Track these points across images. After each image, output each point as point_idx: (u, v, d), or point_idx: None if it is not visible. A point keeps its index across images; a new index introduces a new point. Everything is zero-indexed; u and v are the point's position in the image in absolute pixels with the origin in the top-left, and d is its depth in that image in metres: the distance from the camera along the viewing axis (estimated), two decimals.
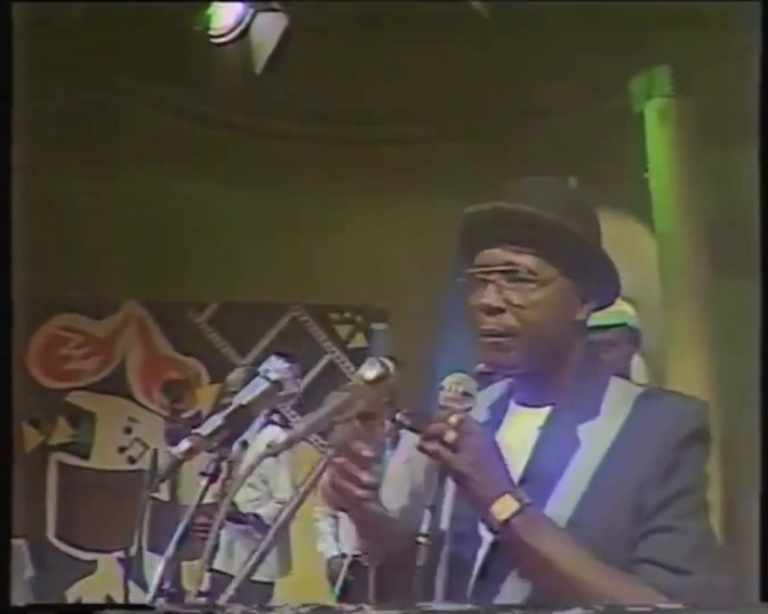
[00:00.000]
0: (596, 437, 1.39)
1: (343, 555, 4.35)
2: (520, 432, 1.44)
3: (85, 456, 6.90)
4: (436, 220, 6.66)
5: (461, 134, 6.42)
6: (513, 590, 1.37)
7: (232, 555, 4.26)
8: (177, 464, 1.49)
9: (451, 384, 1.38)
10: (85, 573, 6.69)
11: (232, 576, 1.24)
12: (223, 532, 3.50)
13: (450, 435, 1.31)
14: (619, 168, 6.03)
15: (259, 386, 1.60)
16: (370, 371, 1.48)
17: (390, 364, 1.50)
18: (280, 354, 1.66)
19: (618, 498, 1.34)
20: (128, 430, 6.98)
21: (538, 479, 1.38)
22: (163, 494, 6.46)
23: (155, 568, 1.43)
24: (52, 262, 5.75)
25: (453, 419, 1.33)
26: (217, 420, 1.53)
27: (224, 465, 1.53)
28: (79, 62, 5.61)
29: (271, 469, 4.51)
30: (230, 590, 1.24)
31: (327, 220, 6.66)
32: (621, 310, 3.43)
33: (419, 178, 6.39)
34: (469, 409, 1.37)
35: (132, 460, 6.91)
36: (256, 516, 4.42)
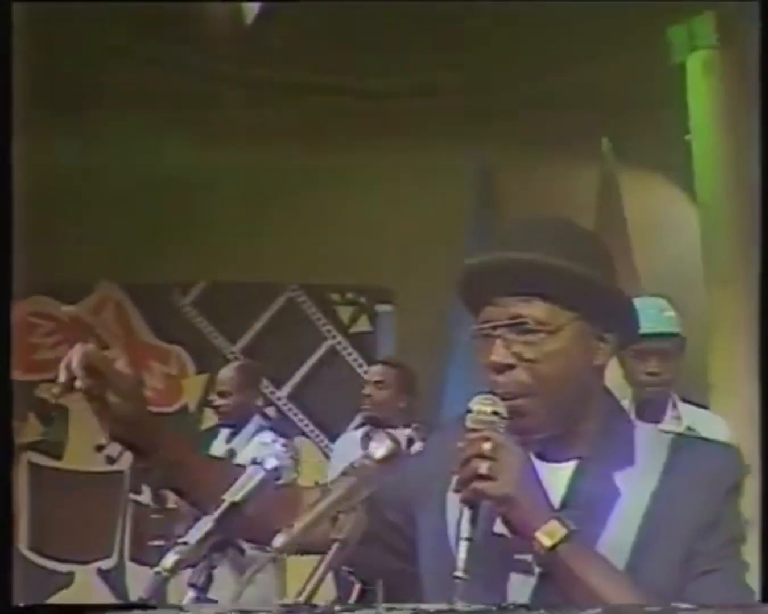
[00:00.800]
0: (637, 486, 1.40)
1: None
2: (547, 486, 1.40)
3: (58, 456, 6.70)
4: (447, 187, 6.28)
5: (476, 87, 6.12)
6: None
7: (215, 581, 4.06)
8: (163, 582, 1.39)
9: (480, 405, 1.38)
10: (61, 586, 6.49)
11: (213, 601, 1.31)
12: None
13: (484, 466, 1.31)
14: (657, 129, 5.78)
15: (254, 477, 1.50)
16: (379, 449, 1.43)
17: (401, 439, 1.45)
18: (276, 436, 1.57)
19: (667, 549, 1.36)
20: None
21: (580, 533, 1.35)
22: (145, 497, 6.34)
23: (137, 579, 1.34)
24: (17, 239, 5.56)
25: (486, 446, 1.32)
26: (206, 524, 1.44)
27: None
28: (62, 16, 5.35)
29: None
30: None
31: (327, 188, 6.43)
32: (674, 317, 3.22)
33: (428, 135, 6.11)
34: (501, 431, 1.36)
35: (111, 460, 6.64)
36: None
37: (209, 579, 1.45)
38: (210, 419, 5.94)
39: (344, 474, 1.40)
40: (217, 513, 1.44)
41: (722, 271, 5.63)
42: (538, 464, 1.45)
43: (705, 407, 3.62)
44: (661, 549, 1.36)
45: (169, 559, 1.40)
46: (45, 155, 5.86)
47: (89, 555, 6.54)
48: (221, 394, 4.68)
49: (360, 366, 6.79)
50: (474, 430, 1.36)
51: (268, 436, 4.20)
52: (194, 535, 1.43)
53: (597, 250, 1.50)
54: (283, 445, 1.50)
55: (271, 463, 1.50)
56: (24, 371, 6.40)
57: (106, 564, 6.54)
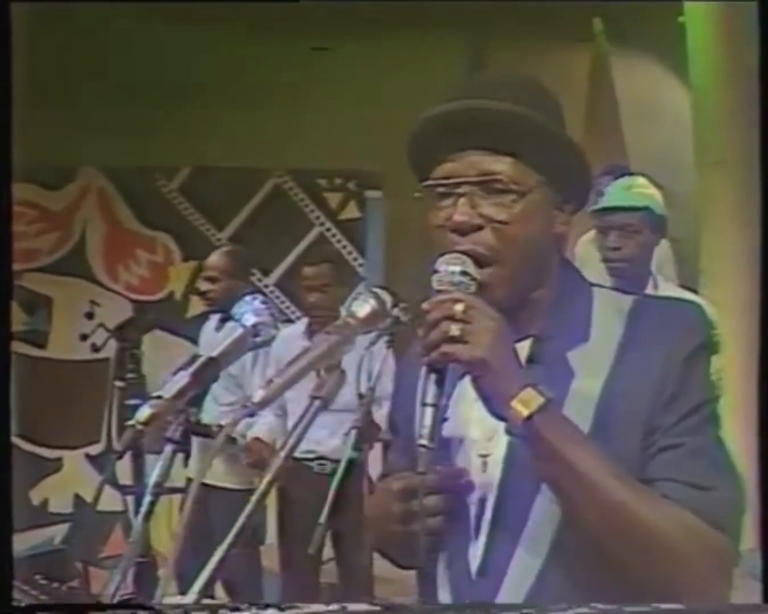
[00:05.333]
0: (591, 363, 1.34)
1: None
2: None
3: (42, 345, 6.78)
4: (439, 64, 6.14)
5: None
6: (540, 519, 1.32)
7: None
8: (137, 436, 1.43)
9: (447, 264, 1.31)
10: (50, 471, 6.67)
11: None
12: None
13: (455, 329, 1.23)
14: (650, 10, 5.77)
15: (232, 333, 1.52)
16: (362, 307, 1.38)
17: (385, 296, 1.41)
18: (254, 294, 1.60)
19: (626, 427, 1.30)
20: (90, 315, 6.85)
21: None
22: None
23: (126, 463, 1.42)
24: None
25: (458, 307, 1.24)
26: (182, 378, 1.46)
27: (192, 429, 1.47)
28: None
29: (247, 372, 4.41)
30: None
31: (313, 67, 6.35)
32: (645, 193, 3.29)
33: (416, 14, 6.04)
34: (471, 292, 1.29)
35: (96, 348, 6.80)
36: (220, 426, 4.12)
37: (186, 434, 1.46)
38: (196, 307, 6.05)
39: (327, 332, 1.34)
40: (193, 368, 1.46)
41: (713, 153, 5.58)
42: None
43: (693, 290, 3.52)
44: (619, 432, 1.30)
45: (144, 412, 1.43)
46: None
47: (77, 440, 6.65)
48: (209, 280, 4.67)
49: (349, 253, 6.85)
50: (442, 291, 1.29)
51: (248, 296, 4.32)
52: (171, 388, 1.44)
53: (562, 113, 1.44)
54: (263, 303, 1.53)
55: (249, 320, 1.52)
56: None
57: (94, 449, 6.68)
